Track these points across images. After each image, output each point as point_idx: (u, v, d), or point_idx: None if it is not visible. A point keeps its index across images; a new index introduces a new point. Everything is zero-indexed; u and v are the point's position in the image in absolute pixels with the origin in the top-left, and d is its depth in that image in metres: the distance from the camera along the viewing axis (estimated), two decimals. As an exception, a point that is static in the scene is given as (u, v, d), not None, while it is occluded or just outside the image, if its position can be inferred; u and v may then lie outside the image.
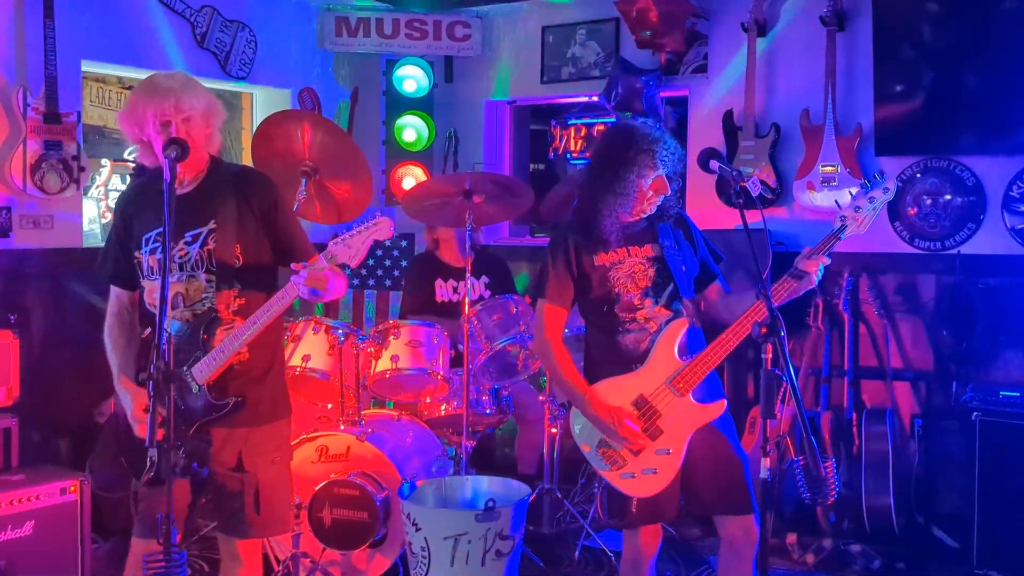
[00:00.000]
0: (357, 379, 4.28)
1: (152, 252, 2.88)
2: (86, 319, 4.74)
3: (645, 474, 3.01)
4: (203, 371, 2.82)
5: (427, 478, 4.03)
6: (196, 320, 2.86)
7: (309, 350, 4.26)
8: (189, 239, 2.86)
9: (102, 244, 6.51)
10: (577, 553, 4.44)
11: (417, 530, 3.60)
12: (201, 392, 2.83)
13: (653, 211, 3.09)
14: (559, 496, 4.69)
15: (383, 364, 4.32)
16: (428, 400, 4.57)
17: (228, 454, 2.87)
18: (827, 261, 2.91)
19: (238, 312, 2.87)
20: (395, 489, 3.95)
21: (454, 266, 5.12)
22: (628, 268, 3.08)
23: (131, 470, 2.91)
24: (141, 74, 5.53)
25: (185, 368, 2.82)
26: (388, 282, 5.90)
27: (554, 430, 4.69)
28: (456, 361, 4.49)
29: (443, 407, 4.56)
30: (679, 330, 3.04)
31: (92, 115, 5.87)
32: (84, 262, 4.79)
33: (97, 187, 6.83)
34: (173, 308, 2.86)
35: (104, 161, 6.95)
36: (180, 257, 2.86)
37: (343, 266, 2.80)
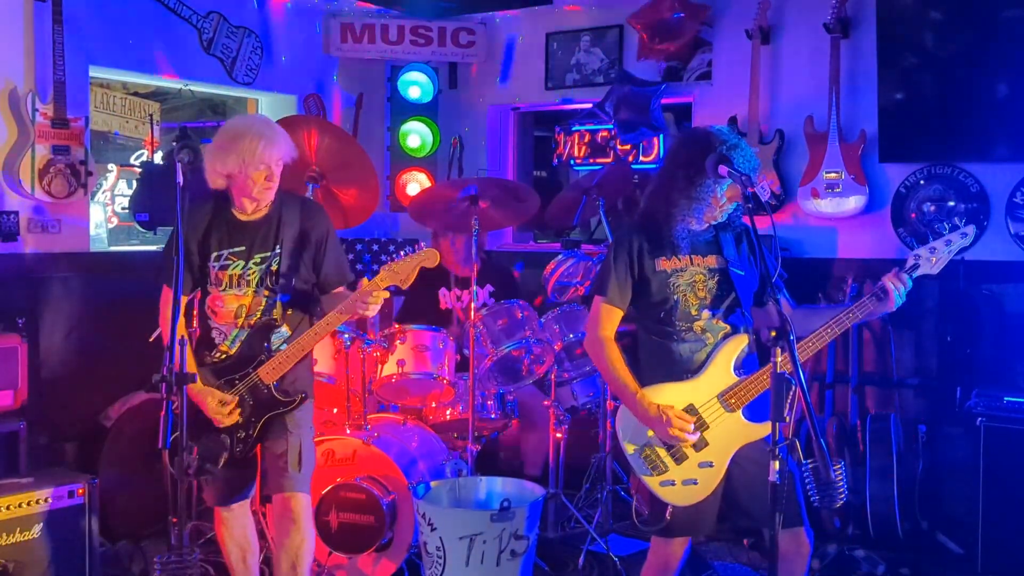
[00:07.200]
0: (363, 383, 4.30)
1: (223, 268, 3.36)
2: (93, 323, 4.76)
3: (685, 484, 3.00)
4: (269, 372, 3.33)
5: (438, 479, 4.04)
6: (256, 329, 3.37)
7: (315, 354, 4.25)
8: (259, 260, 3.37)
9: (108, 248, 6.51)
10: (582, 558, 4.44)
11: (432, 530, 3.62)
12: (268, 390, 3.35)
13: (723, 219, 3.07)
14: (564, 501, 4.70)
15: (389, 368, 4.33)
16: (434, 404, 4.58)
17: (278, 426, 3.38)
18: (909, 285, 2.95)
19: (286, 323, 3.40)
20: (401, 493, 3.96)
21: (459, 275, 5.12)
22: (689, 277, 3.06)
23: (204, 454, 3.24)
24: (148, 80, 5.56)
25: (251, 368, 3.35)
26: (392, 287, 5.89)
27: (559, 435, 4.70)
28: (462, 366, 4.50)
29: (448, 411, 4.57)
30: (739, 345, 3.04)
31: (97, 120, 5.89)
32: (91, 266, 4.81)
33: (103, 192, 6.86)
34: (236, 317, 3.37)
35: (111, 166, 6.98)
36: (248, 276, 3.36)
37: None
